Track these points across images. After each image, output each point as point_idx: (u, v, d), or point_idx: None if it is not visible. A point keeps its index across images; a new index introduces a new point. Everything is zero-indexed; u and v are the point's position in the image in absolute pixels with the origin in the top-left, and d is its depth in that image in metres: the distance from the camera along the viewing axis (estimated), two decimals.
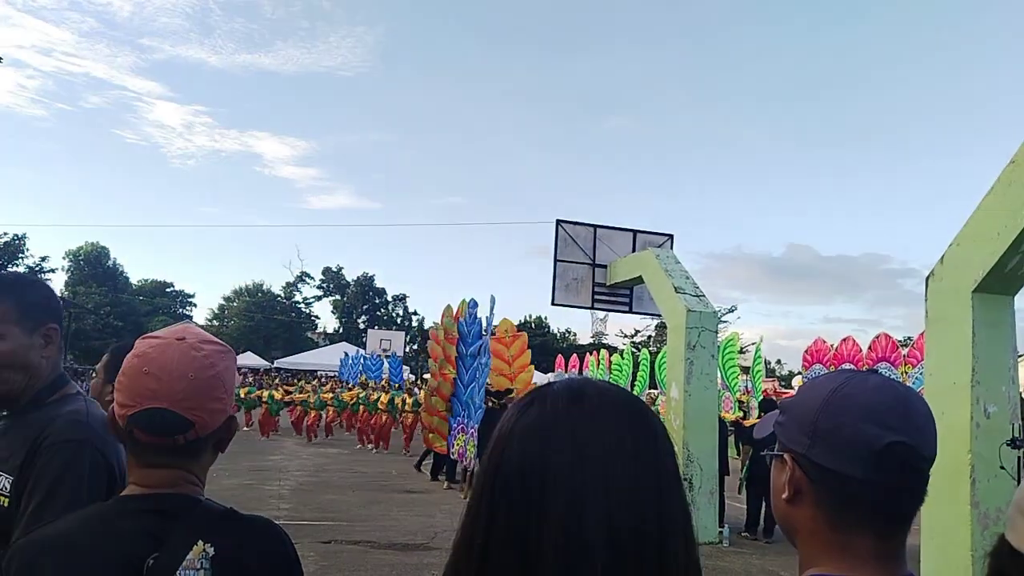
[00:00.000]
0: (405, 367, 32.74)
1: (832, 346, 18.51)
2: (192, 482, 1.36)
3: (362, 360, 33.15)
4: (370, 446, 20.59)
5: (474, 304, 14.07)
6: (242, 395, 22.34)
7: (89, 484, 1.63)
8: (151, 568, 1.22)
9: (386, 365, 29.12)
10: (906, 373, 16.51)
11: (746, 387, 20.36)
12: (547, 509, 0.73)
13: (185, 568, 1.24)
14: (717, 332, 11.22)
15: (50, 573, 1.18)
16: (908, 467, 0.96)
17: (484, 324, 13.59)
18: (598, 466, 0.75)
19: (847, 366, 13.61)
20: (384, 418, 20.33)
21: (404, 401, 20.51)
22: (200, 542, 1.27)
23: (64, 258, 61.75)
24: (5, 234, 48.67)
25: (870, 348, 17.66)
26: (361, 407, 21.42)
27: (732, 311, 49.28)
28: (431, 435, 14.57)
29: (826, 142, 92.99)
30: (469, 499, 0.80)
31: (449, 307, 14.66)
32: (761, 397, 15.06)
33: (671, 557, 0.75)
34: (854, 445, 0.95)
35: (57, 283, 56.11)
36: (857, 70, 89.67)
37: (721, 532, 10.14)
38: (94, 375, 2.47)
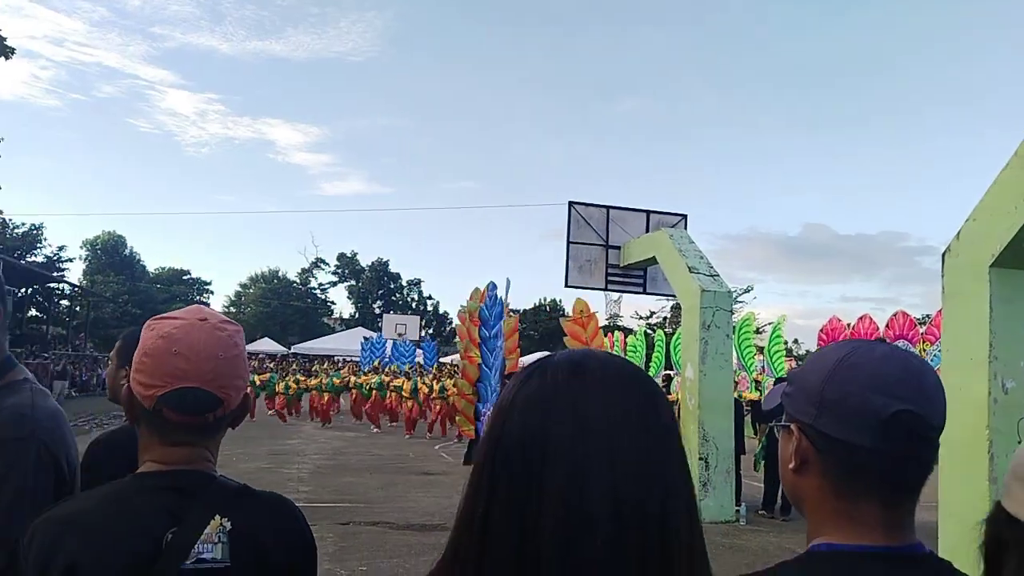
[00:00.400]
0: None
1: (848, 325, 18.42)
2: (208, 459, 1.38)
3: (389, 345, 33.36)
4: (375, 429, 20.92)
5: (494, 287, 14.08)
6: (257, 382, 22.52)
7: (34, 484, 1.54)
8: (170, 543, 1.24)
9: (419, 350, 29.28)
10: (924, 351, 16.41)
11: (763, 367, 20.30)
12: (547, 481, 0.73)
13: (203, 542, 1.27)
14: (732, 312, 11.18)
15: (72, 550, 1.20)
16: (916, 436, 0.96)
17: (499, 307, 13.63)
18: (600, 438, 0.75)
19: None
20: (410, 404, 20.40)
21: (430, 386, 20.63)
22: (217, 517, 1.29)
23: (81, 247, 62.37)
24: (22, 224, 49.08)
25: (887, 326, 17.56)
26: (373, 392, 21.62)
27: (748, 291, 49.08)
28: (458, 418, 14.66)
29: (842, 120, 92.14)
30: (471, 472, 0.79)
31: (477, 289, 14.70)
32: (784, 375, 15.04)
33: (674, 532, 0.74)
34: (861, 414, 0.95)
35: (75, 272, 56.72)
36: (873, 48, 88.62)
37: (738, 511, 10.15)
38: (109, 362, 2.48)
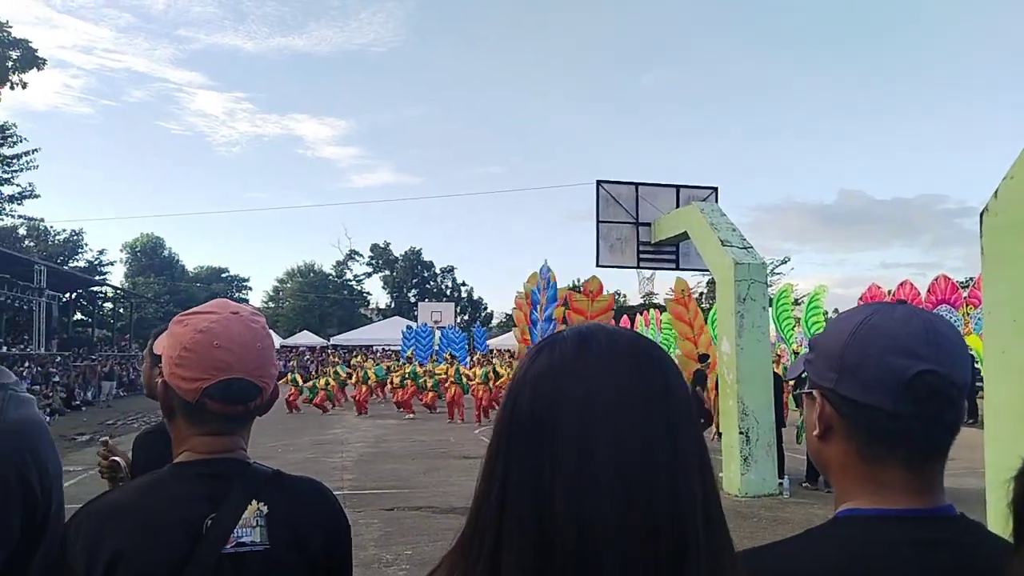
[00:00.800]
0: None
1: (889, 291, 18.12)
2: (242, 447, 1.42)
3: (438, 334, 33.70)
4: (409, 415, 21.22)
5: (546, 270, 14.01)
6: (299, 381, 23.03)
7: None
8: (210, 528, 1.28)
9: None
10: (968, 314, 16.12)
11: (802, 338, 20.03)
12: (559, 452, 0.74)
13: (242, 527, 1.30)
14: (768, 284, 11.06)
15: (116, 538, 1.24)
16: (939, 396, 0.94)
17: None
18: (607, 408, 0.76)
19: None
20: (453, 389, 20.50)
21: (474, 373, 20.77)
22: (254, 502, 1.33)
23: (121, 250, 63.64)
24: (63, 231, 50.14)
25: (929, 291, 17.26)
26: (408, 381, 21.91)
27: (786, 262, 48.47)
28: None
29: (874, 83, 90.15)
30: (488, 446, 0.81)
31: (535, 273, 14.75)
32: None
33: (685, 498, 0.75)
34: (882, 377, 0.94)
35: (117, 275, 57.86)
36: (904, 7, 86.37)
37: (781, 484, 10.09)
38: (143, 360, 2.54)
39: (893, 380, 0.94)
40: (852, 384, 0.97)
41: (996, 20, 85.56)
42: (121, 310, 47.14)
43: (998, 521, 0.96)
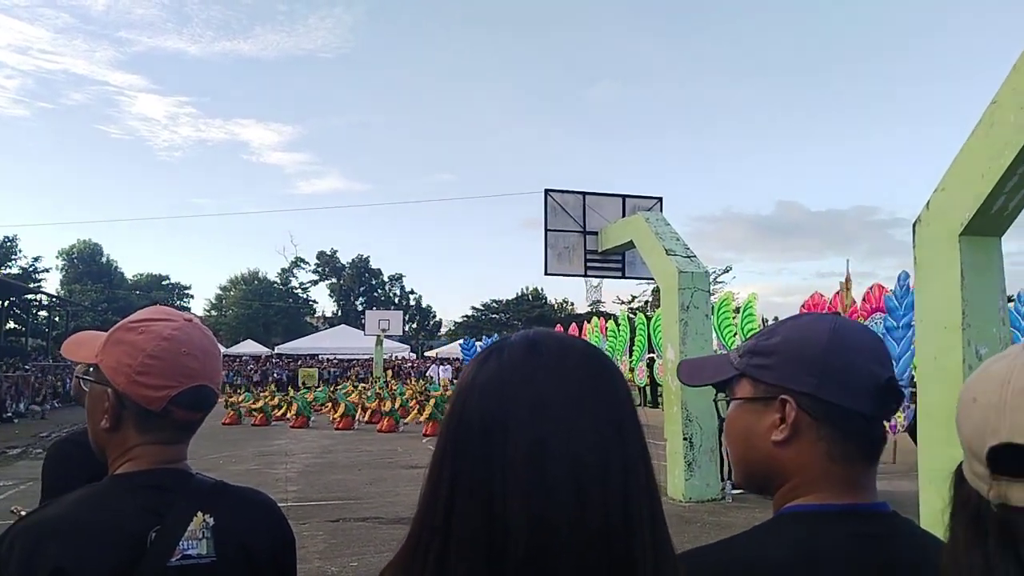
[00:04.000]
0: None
1: (828, 300, 18.57)
2: (186, 457, 1.40)
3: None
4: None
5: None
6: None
7: None
8: (154, 541, 1.25)
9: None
10: None
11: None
12: (510, 457, 0.74)
13: (187, 539, 1.28)
14: (710, 292, 11.27)
15: (54, 554, 1.19)
16: (899, 400, 1.02)
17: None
18: (558, 411, 0.76)
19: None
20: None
21: None
22: (200, 513, 1.31)
23: (57, 257, 61.70)
24: None
25: (864, 299, 17.74)
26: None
27: (727, 271, 49.35)
28: None
29: (808, 97, 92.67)
30: (433, 454, 0.80)
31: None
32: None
33: (633, 499, 0.76)
34: (864, 383, 1.00)
35: (52, 282, 55.99)
36: (835, 26, 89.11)
37: (723, 488, 10.26)
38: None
39: (873, 385, 0.99)
40: (835, 388, 1.00)
41: (927, 36, 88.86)
42: (56, 318, 45.64)
43: (930, 521, 1.01)
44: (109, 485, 1.33)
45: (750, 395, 1.06)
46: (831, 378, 1.00)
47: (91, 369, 1.40)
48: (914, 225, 6.43)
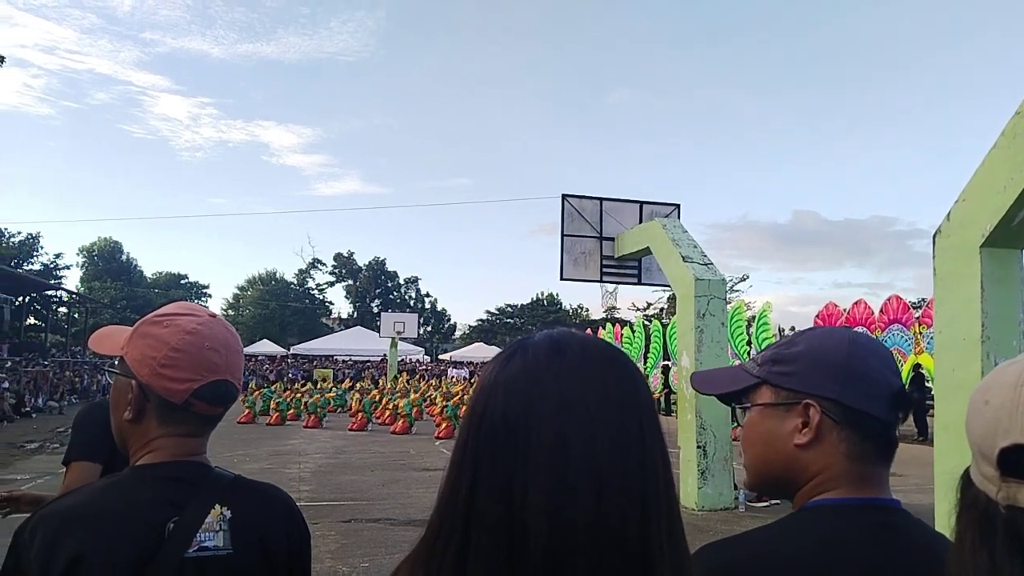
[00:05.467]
0: None
1: (844, 310, 18.46)
2: (205, 450, 1.42)
3: None
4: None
5: None
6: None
7: None
8: (172, 532, 1.27)
9: None
10: (920, 334, 16.48)
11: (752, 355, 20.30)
12: (532, 456, 0.75)
13: (204, 531, 1.29)
14: (727, 300, 11.22)
15: (76, 542, 1.21)
16: (909, 406, 1.10)
17: None
18: (581, 412, 0.77)
19: (860, 329, 13.59)
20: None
21: None
22: (217, 506, 1.33)
23: (78, 254, 62.34)
24: (19, 233, 48.99)
25: (882, 311, 17.62)
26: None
27: (744, 280, 49.14)
28: None
29: (828, 106, 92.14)
30: (453, 450, 0.81)
31: None
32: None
33: (652, 499, 0.77)
34: (881, 388, 1.06)
35: (72, 279, 56.61)
36: (858, 34, 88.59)
37: (736, 497, 10.20)
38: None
39: (888, 391, 1.06)
40: (856, 394, 1.06)
41: (949, 47, 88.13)
42: (76, 315, 46.04)
43: (944, 530, 1.03)
44: (130, 475, 1.35)
45: (772, 401, 1.11)
46: (853, 384, 1.06)
47: (116, 362, 1.43)
48: (934, 236, 6.38)
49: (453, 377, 31.75)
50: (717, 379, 1.20)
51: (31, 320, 45.06)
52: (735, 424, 10.86)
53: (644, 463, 0.78)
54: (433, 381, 30.12)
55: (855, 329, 1.22)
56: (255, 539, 1.35)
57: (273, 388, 26.03)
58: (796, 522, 1.08)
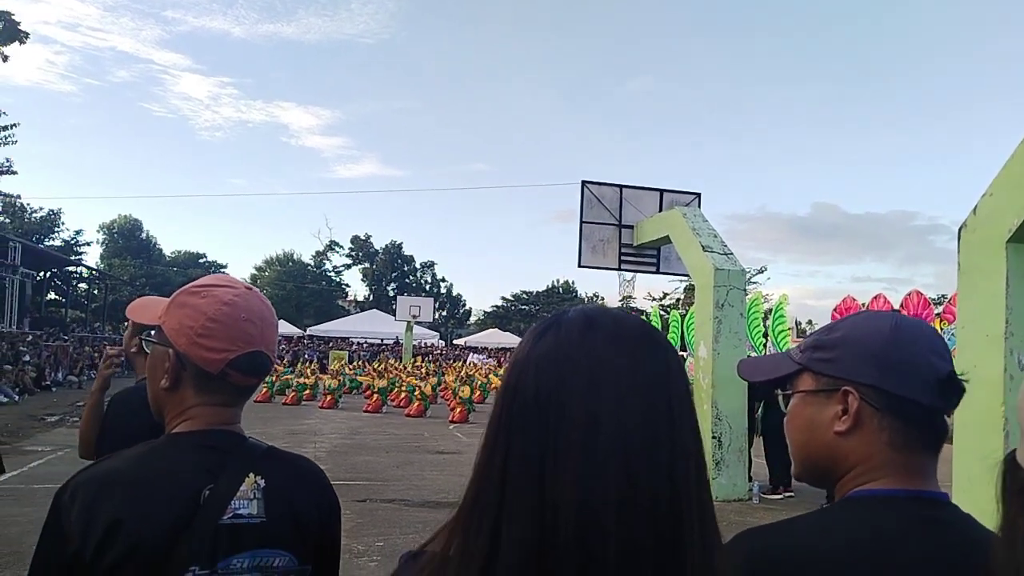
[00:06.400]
0: None
1: (863, 304, 18.32)
2: (239, 420, 1.44)
3: None
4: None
5: None
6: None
7: None
8: (208, 498, 1.29)
9: None
10: (941, 330, 16.34)
11: (772, 348, 20.20)
12: (564, 429, 0.75)
13: (239, 498, 1.32)
14: (746, 290, 11.16)
15: (114, 506, 1.23)
16: (960, 393, 1.05)
17: None
18: (612, 389, 0.77)
19: None
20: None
21: None
22: (251, 475, 1.35)
23: (98, 231, 62.76)
24: (40, 208, 49.45)
25: (901, 306, 17.47)
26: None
27: (762, 272, 48.83)
28: None
29: (850, 97, 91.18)
30: (488, 424, 0.82)
31: None
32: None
33: (682, 482, 0.77)
34: (924, 374, 1.03)
35: (92, 256, 57.09)
36: (880, 25, 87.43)
37: (751, 489, 10.19)
38: (125, 327, 2.58)
39: (933, 378, 1.02)
40: (896, 380, 1.03)
41: (971, 40, 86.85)
42: (96, 291, 46.54)
43: None
44: (166, 443, 1.37)
45: (812, 388, 1.10)
46: (893, 370, 1.03)
47: (153, 331, 1.44)
48: (960, 230, 6.31)
49: (473, 363, 31.75)
50: (763, 366, 1.20)
51: (51, 295, 45.55)
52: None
53: (674, 440, 0.78)
54: (456, 365, 30.12)
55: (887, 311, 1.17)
56: (287, 509, 1.37)
57: (294, 370, 26.40)
58: (842, 513, 1.05)
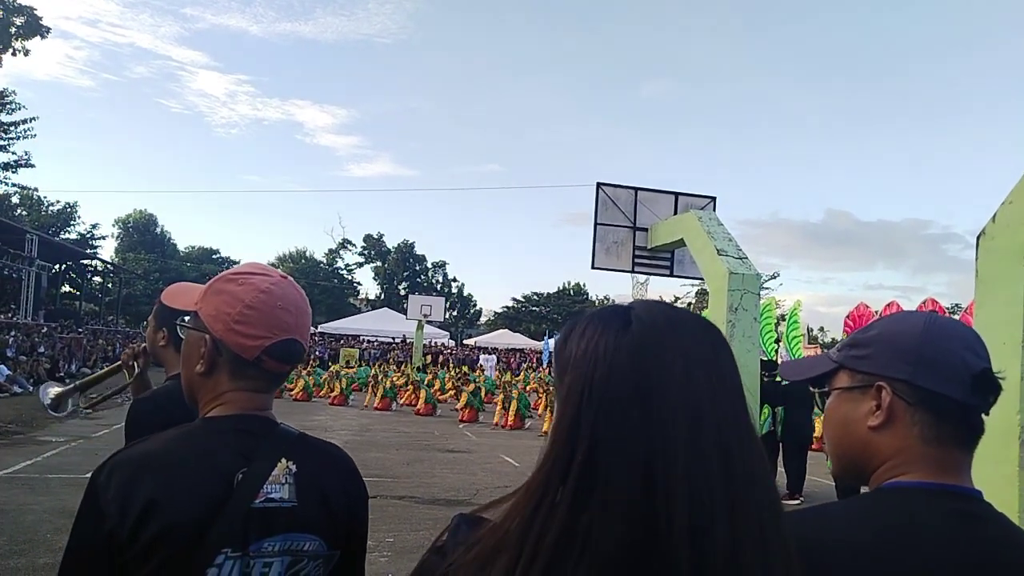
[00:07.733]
0: None
1: (876, 312, 18.21)
2: (272, 406, 1.46)
3: None
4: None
5: None
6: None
7: None
8: (241, 482, 1.30)
9: None
10: None
11: (784, 353, 20.10)
12: (667, 423, 0.76)
13: (271, 483, 1.33)
14: (760, 295, 11.12)
15: (149, 488, 1.24)
16: (996, 390, 1.06)
17: None
18: (704, 379, 0.79)
19: None
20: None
21: None
22: (283, 460, 1.37)
23: (114, 225, 63.18)
24: (57, 202, 49.82)
25: None
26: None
27: (775, 277, 48.68)
28: None
29: (865, 105, 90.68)
30: (560, 416, 0.80)
31: None
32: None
33: (754, 456, 0.80)
34: (958, 370, 1.04)
35: (107, 249, 57.45)
36: (895, 33, 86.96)
37: None
38: (145, 325, 2.60)
39: (966, 373, 1.03)
40: (929, 375, 1.04)
41: (988, 49, 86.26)
42: (110, 285, 46.85)
43: None
44: (201, 426, 1.39)
45: (847, 385, 1.12)
46: (925, 365, 1.04)
47: (188, 317, 1.47)
48: (978, 238, 6.27)
49: (484, 366, 31.75)
50: (803, 366, 1.22)
51: (66, 288, 45.85)
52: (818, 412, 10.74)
53: (749, 424, 0.82)
54: (464, 368, 30.10)
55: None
56: (318, 494, 1.38)
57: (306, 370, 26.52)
58: (871, 503, 1.06)
